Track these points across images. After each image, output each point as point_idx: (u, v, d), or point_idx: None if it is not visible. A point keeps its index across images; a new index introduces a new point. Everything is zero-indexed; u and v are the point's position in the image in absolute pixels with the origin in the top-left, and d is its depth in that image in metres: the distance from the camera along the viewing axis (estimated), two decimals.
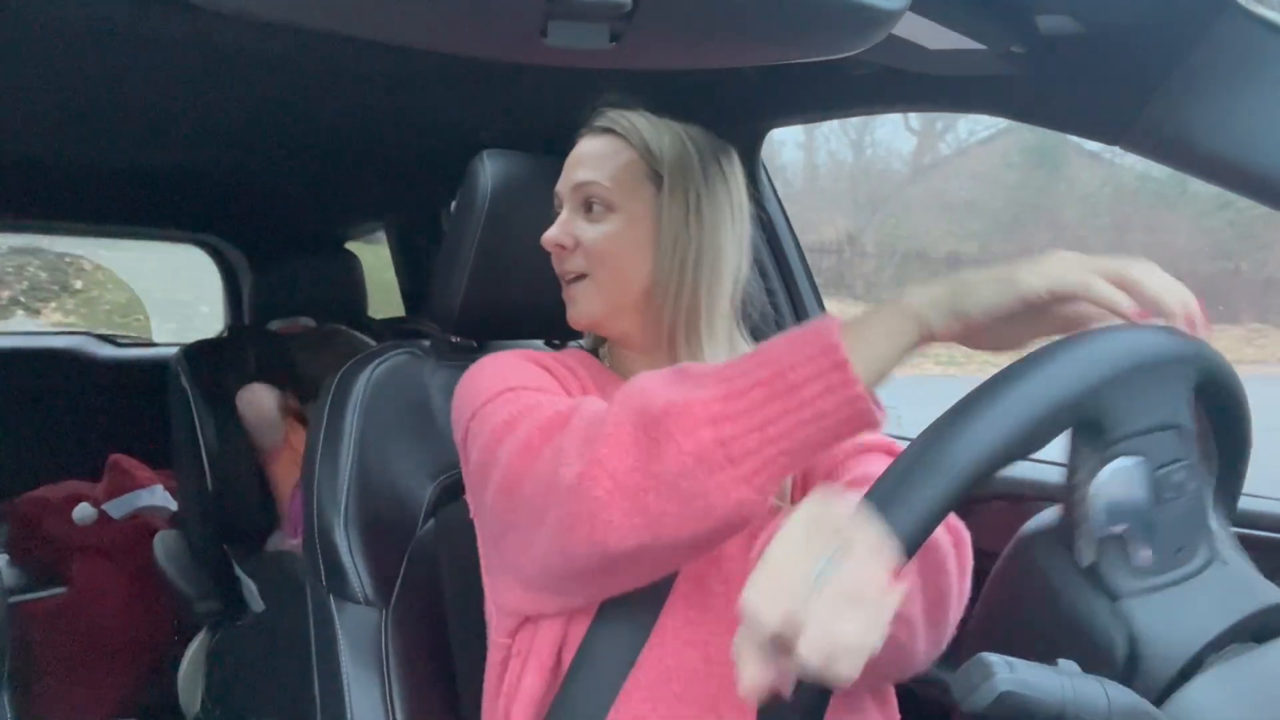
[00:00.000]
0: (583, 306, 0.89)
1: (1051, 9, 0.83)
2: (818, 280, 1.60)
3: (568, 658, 0.79)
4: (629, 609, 0.76)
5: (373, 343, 1.96)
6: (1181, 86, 0.81)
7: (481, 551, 0.86)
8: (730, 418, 0.61)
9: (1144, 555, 0.54)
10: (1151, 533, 0.54)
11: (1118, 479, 0.53)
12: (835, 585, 0.47)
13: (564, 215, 0.90)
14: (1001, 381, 0.52)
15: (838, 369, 0.59)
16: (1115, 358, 0.53)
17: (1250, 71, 0.77)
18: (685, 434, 0.61)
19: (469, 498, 0.86)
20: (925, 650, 0.72)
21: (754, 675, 0.48)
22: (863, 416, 0.61)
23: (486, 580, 0.86)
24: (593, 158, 0.89)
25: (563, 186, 0.91)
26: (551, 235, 0.89)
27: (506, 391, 0.79)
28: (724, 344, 0.89)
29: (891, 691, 0.89)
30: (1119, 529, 0.54)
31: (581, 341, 1.04)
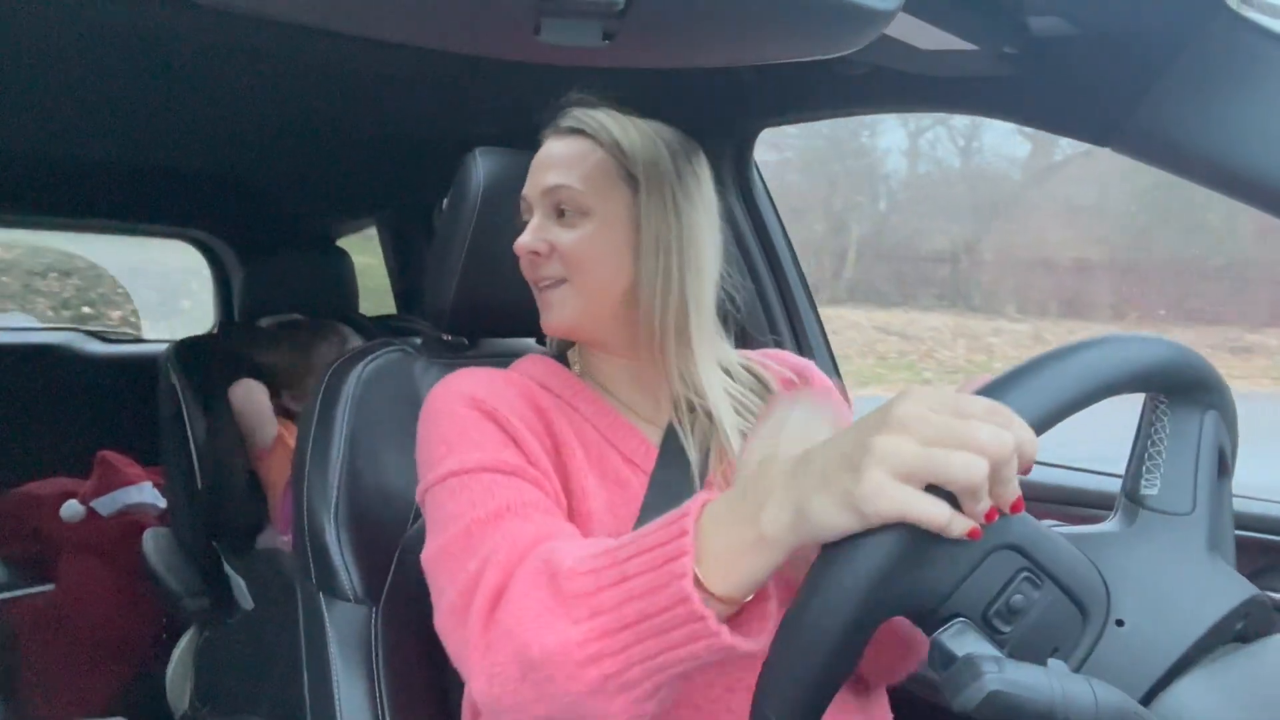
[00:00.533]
0: (560, 312, 0.88)
1: (1043, 10, 0.84)
2: (932, 291, 1.61)
3: None
4: None
5: (361, 340, 1.96)
6: (1171, 89, 0.81)
7: None
8: (609, 654, 0.59)
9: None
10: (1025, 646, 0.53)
11: (957, 643, 0.52)
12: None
13: (536, 221, 0.88)
14: None
15: (696, 619, 0.57)
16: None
17: (1239, 75, 0.77)
18: (569, 678, 0.60)
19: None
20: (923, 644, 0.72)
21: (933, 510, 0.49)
22: (735, 649, 0.58)
23: None
24: (562, 160, 0.88)
25: (530, 191, 0.89)
26: (525, 242, 0.87)
27: (451, 477, 0.78)
28: (712, 342, 0.89)
29: (884, 691, 0.90)
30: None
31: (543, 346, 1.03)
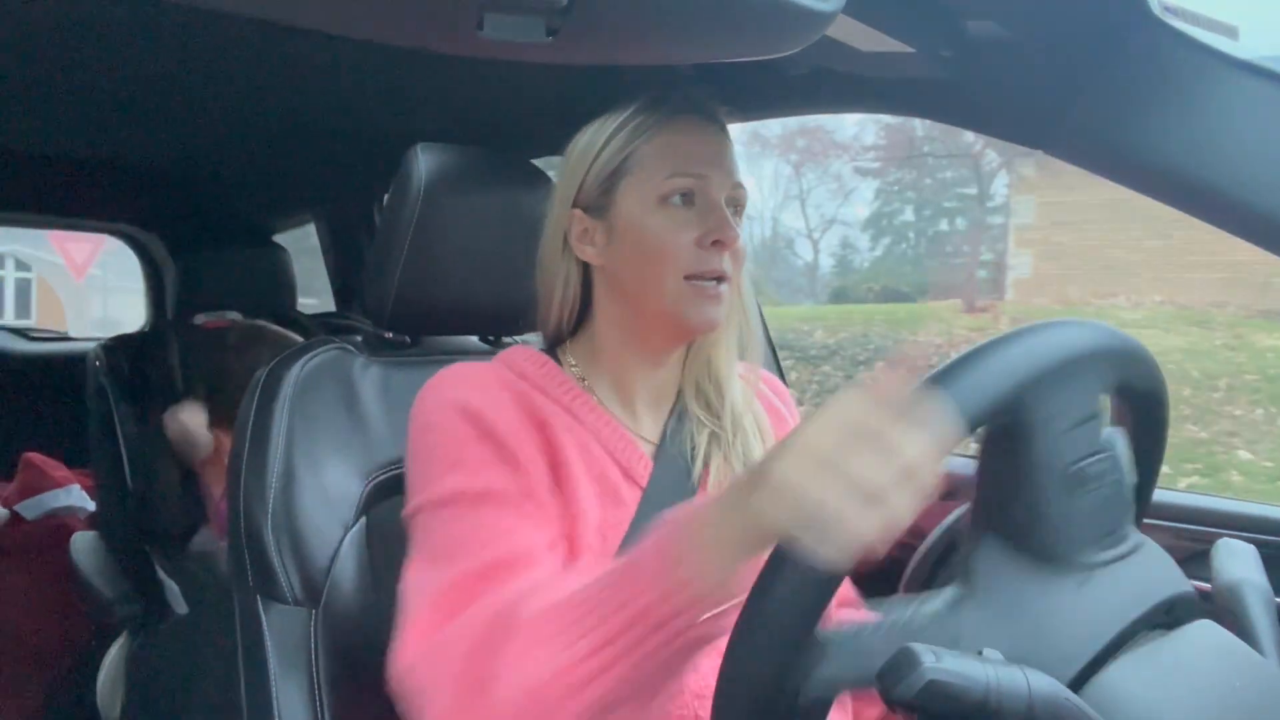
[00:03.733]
0: (721, 311, 0.86)
1: (979, 15, 0.86)
2: None
3: None
4: None
5: (299, 339, 1.92)
6: (1101, 94, 0.84)
7: None
8: (600, 673, 0.61)
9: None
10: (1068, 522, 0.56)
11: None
12: (884, 453, 0.50)
13: (725, 212, 0.85)
14: None
15: (680, 614, 0.59)
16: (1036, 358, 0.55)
17: (1164, 80, 0.80)
18: (562, 710, 0.62)
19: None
20: None
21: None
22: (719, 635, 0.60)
23: None
24: (733, 157, 0.88)
25: (722, 183, 0.86)
26: (731, 234, 0.84)
27: (450, 504, 0.77)
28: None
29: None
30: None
31: (529, 338, 1.02)
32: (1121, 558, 0.58)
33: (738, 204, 0.88)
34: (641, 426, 0.90)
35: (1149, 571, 0.59)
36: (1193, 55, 0.78)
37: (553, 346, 0.93)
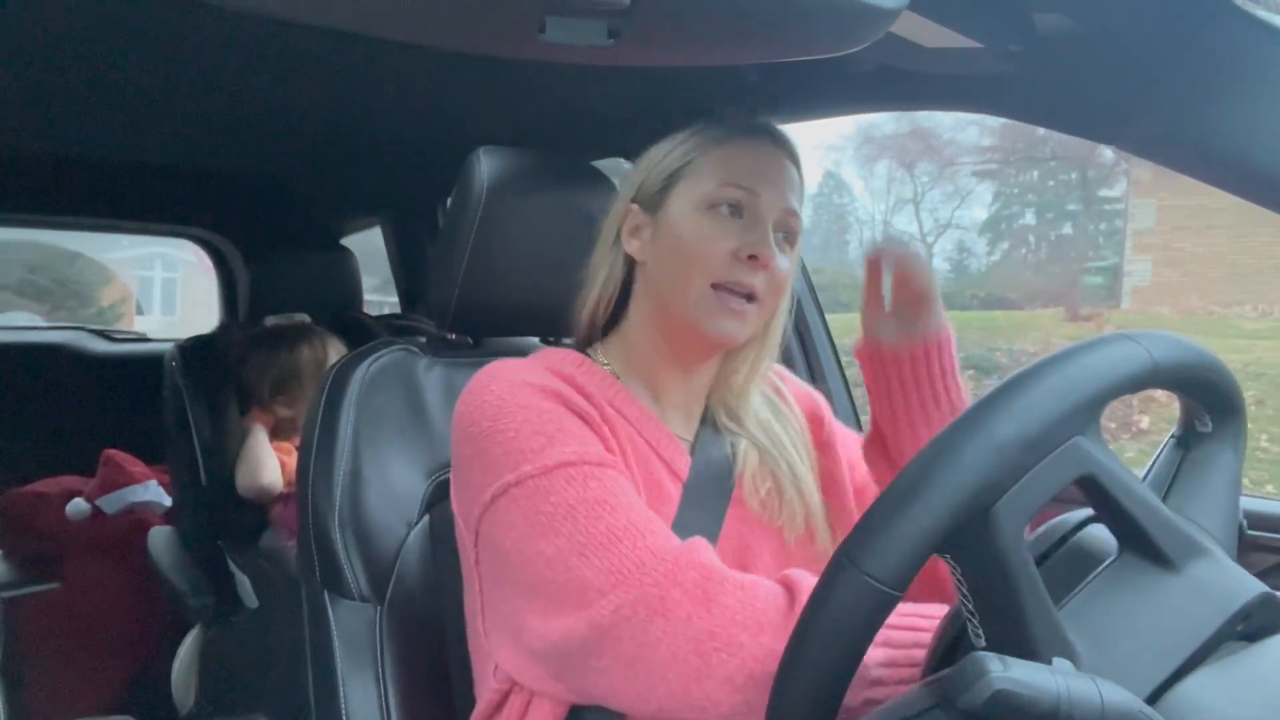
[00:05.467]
0: (744, 329, 0.85)
1: (1049, 8, 0.83)
2: None
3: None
4: None
5: (340, 342, 1.95)
6: (1177, 86, 0.81)
7: (480, 602, 0.83)
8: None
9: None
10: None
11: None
12: None
13: (768, 232, 0.84)
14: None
15: None
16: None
17: (1244, 71, 0.77)
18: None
19: (471, 543, 0.82)
20: None
21: None
22: None
23: (482, 627, 0.83)
24: (794, 186, 0.87)
25: (773, 204, 0.85)
26: (768, 252, 0.83)
27: (566, 466, 0.75)
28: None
29: None
30: None
31: (566, 340, 1.03)
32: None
33: (789, 230, 0.86)
34: (675, 427, 0.91)
35: (1226, 580, 0.57)
36: (1275, 44, 0.75)
37: (584, 346, 0.94)
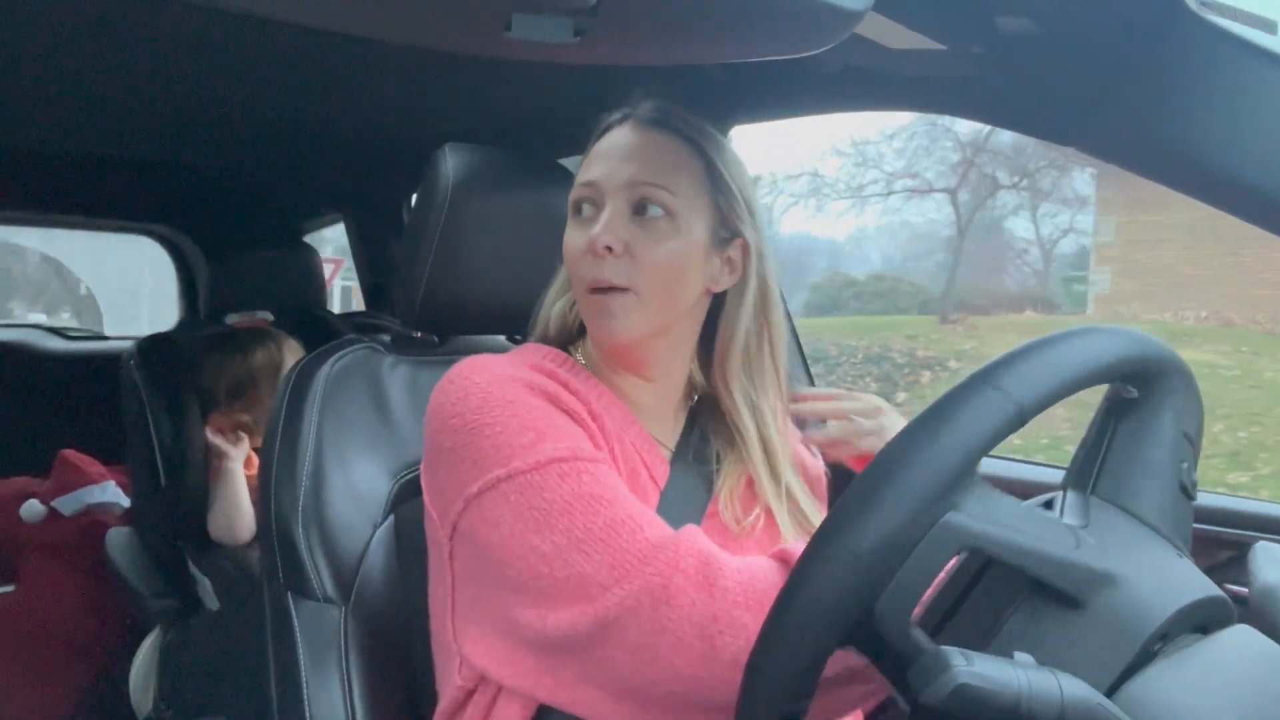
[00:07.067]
0: (625, 323, 0.81)
1: (1011, 11, 0.85)
2: None
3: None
4: None
5: (296, 343, 1.92)
6: (1135, 90, 0.82)
7: (451, 598, 0.82)
8: None
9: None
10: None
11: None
12: None
13: (608, 214, 0.80)
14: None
15: None
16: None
17: (1199, 75, 0.78)
18: None
19: (446, 537, 0.81)
20: None
21: None
22: None
23: (450, 623, 0.82)
24: (654, 155, 0.81)
25: (607, 179, 0.81)
26: (597, 235, 0.79)
27: (559, 462, 0.74)
28: (776, 388, 0.90)
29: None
30: None
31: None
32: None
33: (641, 201, 0.80)
34: (654, 431, 0.89)
35: (1178, 576, 0.57)
36: (1230, 50, 0.77)
37: (564, 345, 0.92)
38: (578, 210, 0.84)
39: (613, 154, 0.83)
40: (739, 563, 0.71)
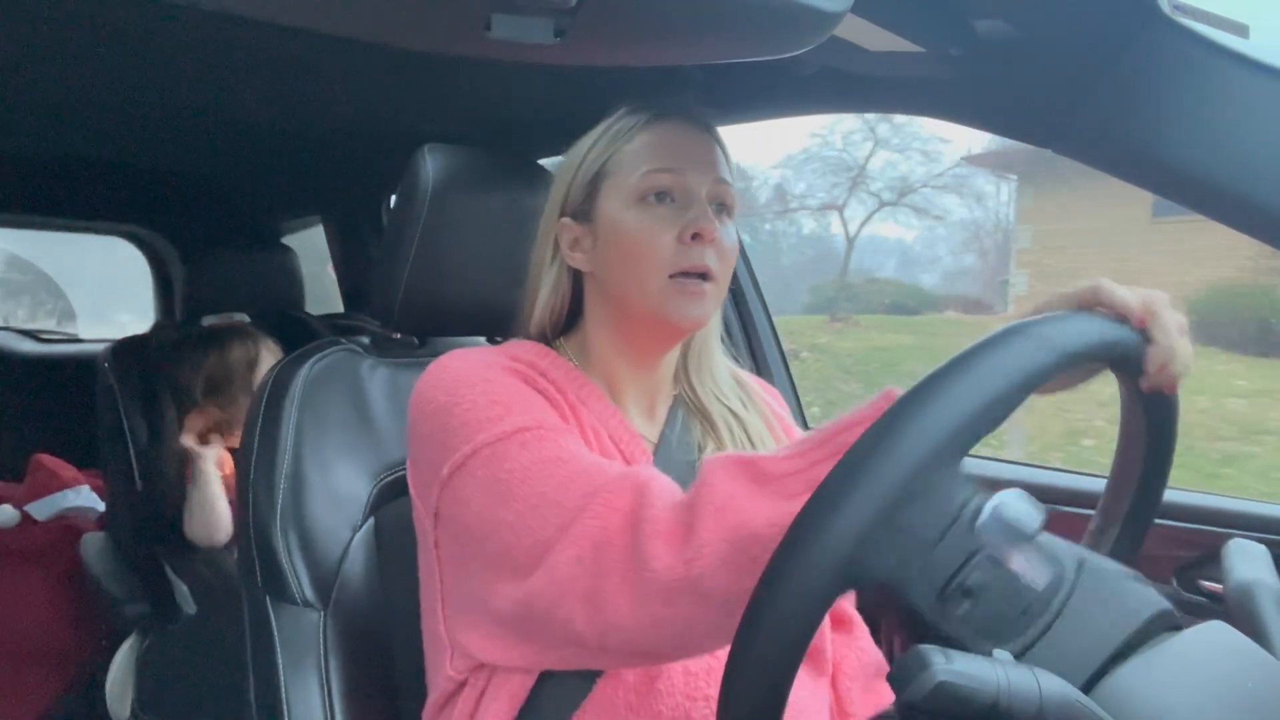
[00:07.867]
0: (705, 308, 0.85)
1: (988, 14, 0.85)
2: None
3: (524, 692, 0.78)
4: None
5: (273, 342, 1.91)
6: (1111, 92, 0.83)
7: (440, 588, 0.83)
8: None
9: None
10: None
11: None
12: None
13: (702, 207, 0.84)
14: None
15: None
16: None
17: (1173, 78, 0.79)
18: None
19: (431, 526, 0.81)
20: None
21: None
22: None
23: (441, 613, 0.82)
24: (720, 159, 0.88)
25: (702, 178, 0.85)
26: (710, 226, 0.83)
27: (522, 432, 0.75)
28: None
29: (829, 670, 0.92)
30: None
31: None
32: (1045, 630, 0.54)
33: (722, 201, 0.87)
34: (636, 424, 0.90)
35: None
36: (1203, 53, 0.78)
37: (549, 339, 0.93)
38: (649, 196, 0.85)
39: (691, 150, 0.86)
40: (671, 495, 0.68)
